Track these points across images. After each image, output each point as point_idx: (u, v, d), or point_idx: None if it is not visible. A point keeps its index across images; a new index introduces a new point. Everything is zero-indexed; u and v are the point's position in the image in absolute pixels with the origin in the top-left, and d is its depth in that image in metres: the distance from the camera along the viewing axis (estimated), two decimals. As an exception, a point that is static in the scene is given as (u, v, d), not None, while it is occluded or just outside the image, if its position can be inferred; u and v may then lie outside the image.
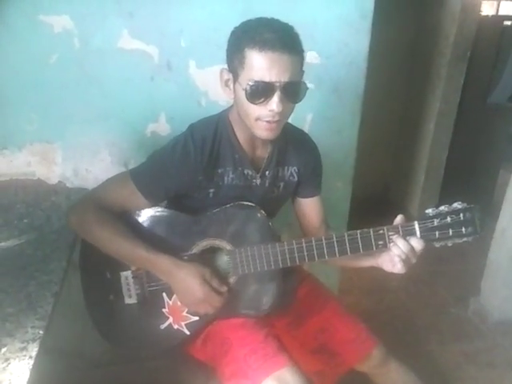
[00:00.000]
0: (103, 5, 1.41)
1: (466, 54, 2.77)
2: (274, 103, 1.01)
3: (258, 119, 1.05)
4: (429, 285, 2.55)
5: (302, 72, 1.08)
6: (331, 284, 1.82)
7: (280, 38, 0.98)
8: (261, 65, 0.98)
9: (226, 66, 1.09)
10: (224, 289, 1.13)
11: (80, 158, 1.57)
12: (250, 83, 1.00)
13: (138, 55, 1.48)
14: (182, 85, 1.55)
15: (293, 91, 1.03)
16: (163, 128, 1.58)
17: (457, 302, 2.42)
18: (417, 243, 1.09)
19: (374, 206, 3.27)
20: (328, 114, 1.70)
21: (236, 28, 1.05)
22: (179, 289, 1.12)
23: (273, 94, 1.01)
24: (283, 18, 1.40)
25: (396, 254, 1.09)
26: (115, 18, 1.43)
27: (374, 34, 1.63)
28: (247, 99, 1.02)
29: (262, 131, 1.07)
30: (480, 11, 2.82)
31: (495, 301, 2.21)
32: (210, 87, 1.56)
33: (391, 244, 1.10)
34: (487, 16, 3.04)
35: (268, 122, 1.05)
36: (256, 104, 1.02)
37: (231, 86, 1.08)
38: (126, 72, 1.49)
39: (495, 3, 3.19)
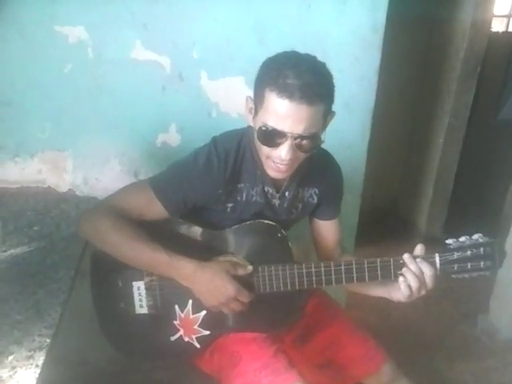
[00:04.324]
0: (117, 16, 1.43)
1: (476, 70, 2.77)
2: (284, 151, 0.99)
3: (267, 158, 1.05)
4: (437, 301, 2.51)
5: (324, 120, 1.03)
6: (339, 298, 1.80)
7: (302, 86, 0.93)
8: (276, 111, 0.96)
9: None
10: (251, 278, 1.10)
11: (90, 166, 1.58)
12: (263, 127, 0.99)
13: (150, 66, 1.50)
14: (193, 96, 1.56)
15: (305, 143, 1.01)
16: (173, 138, 1.59)
17: (465, 320, 2.38)
18: (427, 269, 1.07)
19: (382, 219, 3.25)
20: (338, 127, 1.68)
21: (268, 59, 1.02)
22: (206, 291, 1.07)
23: (283, 142, 0.99)
24: (295, 31, 1.41)
25: (407, 278, 1.07)
26: (129, 29, 1.45)
27: (385, 49, 1.64)
28: (258, 140, 1.02)
29: (271, 170, 1.07)
30: (490, 27, 2.82)
31: (504, 319, 2.17)
32: (221, 99, 1.57)
33: (404, 269, 1.08)
34: (497, 32, 3.04)
35: (276, 165, 1.04)
36: (266, 146, 1.02)
37: (253, 116, 1.06)
38: (138, 82, 1.51)
39: (505, 20, 3.19)
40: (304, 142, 1.00)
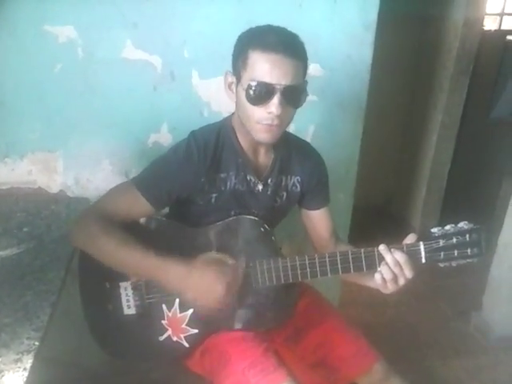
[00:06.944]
0: (107, 15, 1.42)
1: (468, 68, 2.78)
2: (274, 105, 1.01)
3: (258, 122, 1.05)
4: (430, 299, 2.53)
5: (304, 79, 1.08)
6: (332, 297, 1.80)
7: (283, 41, 0.99)
8: (262, 66, 1.00)
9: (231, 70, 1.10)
10: (240, 270, 1.09)
11: (81, 167, 1.57)
12: (251, 83, 1.01)
13: (141, 65, 1.49)
14: (184, 95, 1.55)
15: (293, 95, 1.04)
16: (165, 138, 1.58)
17: (458, 317, 2.39)
18: (401, 257, 1.06)
19: (375, 217, 3.26)
20: (330, 126, 1.70)
21: (242, 33, 1.08)
22: (197, 290, 1.06)
23: (273, 96, 1.01)
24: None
25: (382, 269, 1.07)
26: (119, 29, 1.44)
27: (377, 47, 1.64)
28: (247, 100, 1.03)
29: (262, 134, 1.07)
30: (483, 26, 2.82)
31: (497, 316, 2.18)
32: (213, 98, 1.56)
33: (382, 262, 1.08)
34: (490, 30, 3.04)
35: (267, 125, 1.04)
36: (256, 105, 1.02)
37: (234, 89, 1.08)
38: (129, 82, 1.50)
39: (498, 18, 3.19)
40: (291, 94, 1.02)
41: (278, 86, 1.00)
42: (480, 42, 2.74)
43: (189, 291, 1.07)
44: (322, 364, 1.25)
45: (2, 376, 0.79)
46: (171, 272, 1.05)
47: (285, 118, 1.06)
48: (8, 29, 1.39)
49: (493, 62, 2.94)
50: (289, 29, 1.06)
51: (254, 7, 1.49)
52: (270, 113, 1.02)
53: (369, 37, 1.60)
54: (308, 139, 1.63)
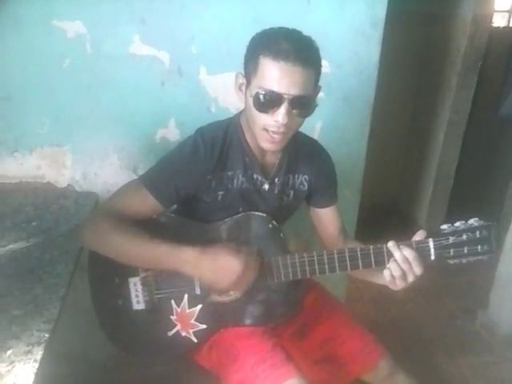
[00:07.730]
0: (116, 11, 1.43)
1: (476, 65, 2.76)
2: (280, 115, 1.00)
3: (263, 129, 1.04)
4: (437, 296, 2.52)
5: (315, 87, 1.07)
6: (338, 293, 1.81)
7: (296, 49, 0.97)
8: (272, 74, 0.98)
9: (242, 71, 1.09)
10: (255, 253, 1.08)
11: (89, 161, 1.58)
12: (259, 91, 1.00)
13: (149, 61, 1.49)
14: (192, 91, 1.55)
15: (301, 105, 1.02)
16: (173, 133, 1.59)
17: (465, 315, 2.38)
18: (410, 254, 1.05)
19: (382, 215, 3.26)
20: (337, 122, 1.70)
21: (256, 34, 1.05)
22: (211, 274, 1.04)
23: (280, 105, 1.00)
24: (294, 26, 1.41)
25: (391, 266, 1.07)
26: (127, 24, 1.44)
27: (385, 43, 1.63)
28: (254, 106, 1.02)
29: (266, 142, 1.07)
30: (491, 22, 2.81)
31: (504, 314, 2.18)
32: (220, 93, 1.57)
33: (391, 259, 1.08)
34: (498, 27, 3.03)
35: (273, 133, 1.04)
36: (262, 112, 1.02)
37: (244, 91, 1.08)
38: (136, 77, 1.50)
39: (506, 15, 3.18)
40: (299, 104, 1.01)
41: (287, 96, 0.98)
42: (488, 38, 2.72)
43: (204, 272, 1.05)
44: (328, 360, 1.25)
45: (13, 367, 0.80)
46: (184, 255, 1.04)
47: (291, 127, 1.05)
48: (17, 24, 1.40)
49: (501, 59, 2.92)
50: (296, 26, 1.05)
51: (261, 4, 1.49)
52: (276, 121, 1.01)
53: (376, 34, 1.59)
54: (315, 136, 1.63)
